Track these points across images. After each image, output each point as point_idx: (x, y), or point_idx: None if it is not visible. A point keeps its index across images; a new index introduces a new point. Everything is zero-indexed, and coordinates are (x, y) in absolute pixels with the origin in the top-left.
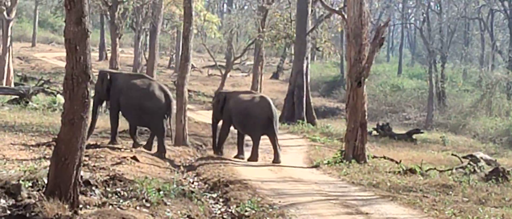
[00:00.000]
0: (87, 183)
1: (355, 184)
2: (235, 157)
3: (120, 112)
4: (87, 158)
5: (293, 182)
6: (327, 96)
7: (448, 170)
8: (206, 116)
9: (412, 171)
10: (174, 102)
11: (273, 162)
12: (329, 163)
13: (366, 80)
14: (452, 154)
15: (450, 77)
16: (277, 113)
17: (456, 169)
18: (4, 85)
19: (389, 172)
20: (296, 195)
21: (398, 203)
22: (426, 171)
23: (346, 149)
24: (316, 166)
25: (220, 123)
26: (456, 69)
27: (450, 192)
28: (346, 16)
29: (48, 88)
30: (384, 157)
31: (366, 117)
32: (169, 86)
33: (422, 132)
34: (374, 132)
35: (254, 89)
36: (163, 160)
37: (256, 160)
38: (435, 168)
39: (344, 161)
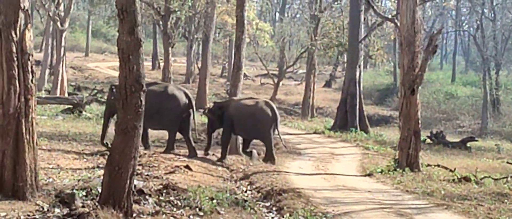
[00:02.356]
0: (140, 192)
1: (409, 192)
2: (218, 160)
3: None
4: (140, 167)
5: (347, 190)
6: (380, 104)
7: (503, 178)
8: None
9: (467, 179)
10: (193, 100)
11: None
12: (383, 171)
13: (420, 88)
14: (507, 162)
15: (504, 84)
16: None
17: (511, 177)
18: (58, 95)
19: (443, 180)
20: (349, 203)
21: (453, 212)
22: (481, 179)
23: (400, 157)
24: (370, 175)
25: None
26: (511, 76)
27: (506, 201)
28: (399, 24)
29: (101, 97)
30: (438, 165)
31: (420, 125)
32: (222, 95)
33: (476, 140)
34: (428, 140)
35: (306, 97)
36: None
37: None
38: (490, 176)
39: (398, 169)
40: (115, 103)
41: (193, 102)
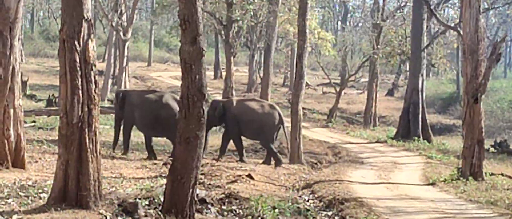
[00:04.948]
0: (203, 201)
1: (472, 202)
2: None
3: (131, 125)
4: (202, 176)
5: (409, 199)
6: (443, 113)
7: None
8: (321, 134)
9: None
10: None
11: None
12: (446, 180)
13: (483, 96)
14: None
15: None
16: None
17: None
18: None
19: (508, 189)
20: (412, 213)
21: None
22: None
23: (463, 166)
24: (433, 184)
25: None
26: None
27: None
28: (461, 32)
29: None
30: (502, 174)
31: (483, 134)
32: (284, 104)
33: None
34: (492, 149)
35: (369, 106)
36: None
37: (269, 164)
38: None
39: (461, 178)
40: (121, 108)
41: None
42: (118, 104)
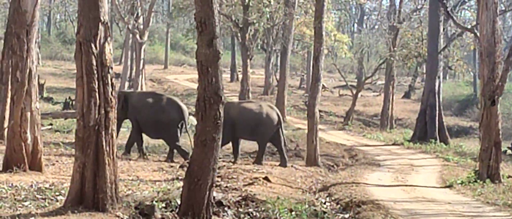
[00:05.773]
0: (219, 203)
1: (489, 204)
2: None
3: (138, 127)
4: (219, 179)
5: (426, 202)
6: (460, 115)
7: None
8: (337, 136)
9: None
10: (186, 112)
11: (280, 165)
12: (463, 183)
13: (500, 98)
14: None
15: None
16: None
17: None
18: None
19: None
20: (429, 215)
21: None
22: None
23: (480, 168)
24: (450, 186)
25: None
26: None
27: None
28: (478, 34)
29: None
30: None
31: (500, 136)
32: (300, 106)
33: None
34: (509, 151)
35: (385, 108)
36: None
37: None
38: None
39: (478, 180)
40: (123, 109)
41: (186, 114)
42: (120, 106)
